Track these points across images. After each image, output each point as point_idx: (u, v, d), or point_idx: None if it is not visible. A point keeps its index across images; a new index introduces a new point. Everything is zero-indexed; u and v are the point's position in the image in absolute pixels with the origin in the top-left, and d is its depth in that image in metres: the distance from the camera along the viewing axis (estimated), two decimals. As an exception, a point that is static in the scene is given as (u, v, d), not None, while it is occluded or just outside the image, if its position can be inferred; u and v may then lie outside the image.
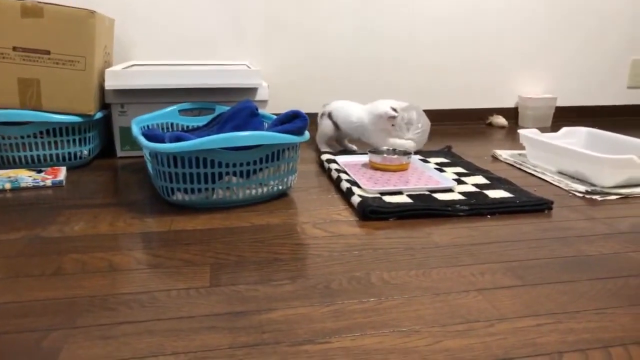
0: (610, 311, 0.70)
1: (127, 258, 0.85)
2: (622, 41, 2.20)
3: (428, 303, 0.72)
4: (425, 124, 1.59)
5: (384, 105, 1.46)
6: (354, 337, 0.64)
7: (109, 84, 1.43)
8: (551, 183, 1.30)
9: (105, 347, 0.61)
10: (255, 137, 1.05)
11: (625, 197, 1.20)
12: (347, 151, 1.58)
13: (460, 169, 1.37)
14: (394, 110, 1.45)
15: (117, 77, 1.43)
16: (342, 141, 1.63)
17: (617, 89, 2.27)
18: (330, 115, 1.57)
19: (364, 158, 1.43)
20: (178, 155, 1.03)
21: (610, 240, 0.95)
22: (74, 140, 1.39)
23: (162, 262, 0.84)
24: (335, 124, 1.56)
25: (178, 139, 1.03)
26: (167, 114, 1.43)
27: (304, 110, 1.90)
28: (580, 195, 1.21)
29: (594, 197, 1.19)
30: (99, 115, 1.43)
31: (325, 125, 1.58)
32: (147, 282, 0.77)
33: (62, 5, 1.31)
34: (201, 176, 1.05)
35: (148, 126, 1.36)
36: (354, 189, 1.15)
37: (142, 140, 1.06)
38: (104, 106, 1.50)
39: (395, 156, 1.37)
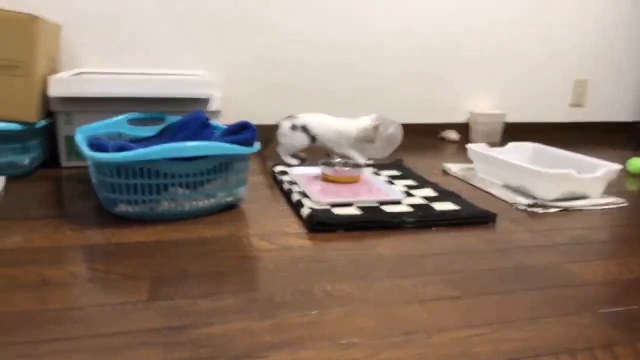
0: (543, 321, 0.72)
1: (61, 272, 0.82)
2: (567, 63, 2.31)
3: (369, 315, 0.72)
4: (398, 136, 1.76)
5: (367, 119, 1.57)
6: (292, 350, 0.63)
7: (54, 92, 1.38)
8: (497, 196, 1.34)
9: (29, 366, 0.58)
10: (202, 147, 1.04)
11: (565, 209, 1.25)
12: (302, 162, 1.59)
13: (410, 182, 1.40)
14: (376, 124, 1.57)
15: (62, 85, 1.38)
16: (298, 153, 1.64)
17: (561, 106, 2.38)
18: (305, 128, 1.58)
19: (317, 170, 1.43)
20: (121, 166, 1.00)
21: (548, 252, 0.98)
22: (14, 149, 1.33)
23: (99, 276, 0.81)
24: (313, 137, 1.58)
25: (122, 148, 1.01)
26: (115, 124, 1.38)
27: (258, 121, 1.90)
28: (523, 208, 1.25)
29: (536, 209, 1.24)
30: (42, 123, 1.38)
31: (297, 138, 1.58)
32: (81, 298, 0.74)
33: (2, 10, 1.26)
34: (145, 187, 1.02)
35: (95, 135, 1.31)
36: (304, 200, 1.15)
37: (85, 149, 1.03)
38: (49, 114, 1.45)
39: (347, 168, 1.38)
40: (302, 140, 1.58)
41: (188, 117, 1.33)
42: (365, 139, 1.58)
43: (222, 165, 1.09)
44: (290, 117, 1.61)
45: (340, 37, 2.01)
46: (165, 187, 1.04)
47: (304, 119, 1.60)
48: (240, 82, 1.94)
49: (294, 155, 1.63)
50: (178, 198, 1.06)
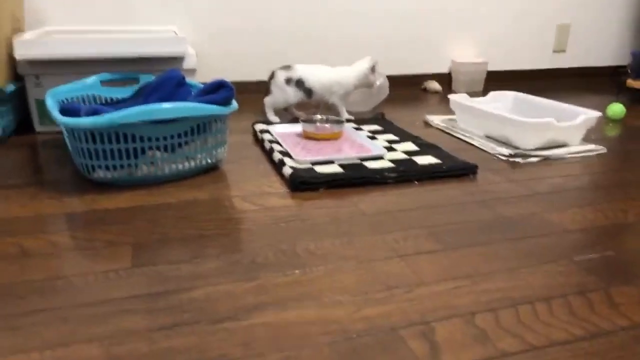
0: (521, 270, 0.74)
1: (41, 242, 0.81)
2: (548, 8, 2.27)
3: (351, 272, 0.73)
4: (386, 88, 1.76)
5: (363, 62, 1.55)
6: (275, 311, 0.64)
7: (20, 54, 1.32)
8: (478, 147, 1.34)
9: (12, 338, 0.58)
10: (178, 109, 1.01)
11: (546, 158, 1.26)
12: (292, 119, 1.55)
13: (391, 136, 1.39)
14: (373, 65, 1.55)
15: (28, 47, 1.32)
16: (292, 108, 1.58)
17: (544, 53, 2.35)
18: (299, 82, 1.51)
19: (298, 128, 1.41)
20: (96, 131, 0.97)
21: (527, 202, 1.00)
22: (-16, 116, 1.28)
23: (80, 244, 0.80)
24: (308, 90, 1.52)
25: (95, 112, 0.98)
26: (88, 86, 1.34)
27: (236, 78, 1.85)
28: (504, 158, 1.25)
29: (517, 159, 1.24)
30: (10, 88, 1.33)
31: (289, 93, 1.51)
32: (62, 267, 0.73)
33: (-44, -33, 1.18)
34: (122, 152, 1.00)
35: (67, 99, 1.27)
36: (286, 159, 1.14)
37: (56, 114, 1.00)
38: (17, 78, 1.39)
39: (328, 125, 1.36)
40: (294, 95, 1.52)
41: (163, 76, 1.28)
42: (365, 84, 1.55)
43: (200, 127, 1.07)
44: (286, 67, 1.52)
45: (318, -14, 1.94)
46: (143, 151, 1.02)
47: (300, 71, 1.51)
48: (215, 36, 1.88)
49: (286, 110, 1.57)
50: (156, 161, 1.04)
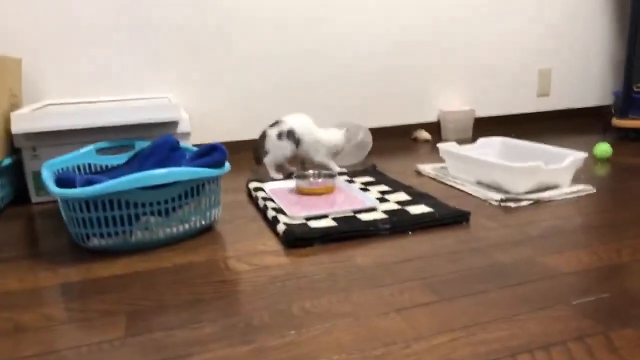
0: (519, 318, 0.74)
1: (35, 316, 0.80)
2: (529, 54, 2.36)
3: (348, 329, 0.72)
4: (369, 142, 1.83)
5: (338, 133, 1.62)
6: (272, 375, 0.63)
7: (17, 128, 1.36)
8: (470, 194, 1.36)
9: (4, 419, 0.57)
10: (172, 174, 1.03)
11: (536, 201, 1.27)
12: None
13: (384, 187, 1.41)
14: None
15: (25, 120, 1.36)
16: (285, 165, 1.59)
17: (529, 97, 2.42)
18: (290, 133, 1.53)
19: (291, 184, 1.43)
20: (90, 200, 0.99)
21: (521, 246, 1.00)
22: (-19, 190, 1.30)
23: (75, 316, 0.80)
24: (297, 141, 1.54)
25: (89, 182, 1.00)
26: (83, 155, 1.37)
27: (230, 138, 1.90)
28: (496, 203, 1.27)
29: (509, 204, 1.26)
30: (7, 161, 1.35)
31: (285, 147, 1.53)
32: (56, 341, 0.73)
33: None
34: (117, 219, 1.01)
35: (62, 169, 1.30)
36: (280, 216, 1.15)
37: (51, 186, 1.01)
38: (14, 151, 1.43)
39: (321, 179, 1.38)
40: (289, 148, 1.54)
41: (157, 142, 1.32)
42: (337, 151, 1.62)
43: (194, 190, 1.08)
44: (276, 123, 1.56)
45: (305, 43, 2.02)
46: (137, 217, 1.03)
47: (289, 122, 1.55)
48: (207, 100, 1.94)
49: (280, 167, 1.58)
50: (151, 227, 1.05)
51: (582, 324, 0.71)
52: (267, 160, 1.55)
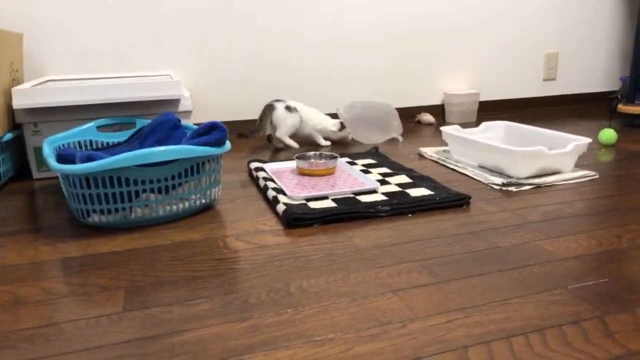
0: (514, 301, 0.74)
1: (34, 289, 0.81)
2: (536, 37, 2.33)
3: (344, 309, 0.73)
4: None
5: (334, 123, 1.76)
6: (267, 351, 0.63)
7: (18, 103, 1.35)
8: (472, 177, 1.35)
9: (1, 389, 0.58)
10: (171, 152, 1.03)
11: (538, 186, 1.27)
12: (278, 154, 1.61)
13: (385, 169, 1.40)
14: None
15: (26, 95, 1.36)
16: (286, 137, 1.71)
17: (535, 81, 2.40)
18: (294, 109, 1.68)
19: (292, 165, 1.43)
20: (90, 176, 0.99)
21: (520, 231, 1.00)
22: (-18, 165, 1.30)
23: (73, 290, 0.80)
24: (301, 118, 1.69)
25: (89, 158, 1.00)
26: (85, 131, 1.37)
27: (232, 117, 1.89)
28: (497, 187, 1.26)
29: (510, 188, 1.25)
30: (8, 136, 1.35)
31: (294, 117, 1.67)
32: (54, 314, 0.73)
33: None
34: (117, 196, 1.01)
35: (63, 145, 1.30)
36: (280, 196, 1.15)
37: (51, 162, 1.01)
38: (15, 126, 1.42)
39: (322, 161, 1.38)
40: (297, 120, 1.68)
41: (158, 119, 1.31)
42: (327, 136, 1.76)
43: (194, 168, 1.08)
44: (278, 100, 1.69)
45: (310, 25, 2.00)
46: (137, 194, 1.03)
47: (289, 101, 1.70)
48: (209, 79, 1.92)
49: (270, 141, 1.75)
50: (151, 204, 1.05)
51: (579, 308, 0.71)
52: (280, 132, 1.67)
